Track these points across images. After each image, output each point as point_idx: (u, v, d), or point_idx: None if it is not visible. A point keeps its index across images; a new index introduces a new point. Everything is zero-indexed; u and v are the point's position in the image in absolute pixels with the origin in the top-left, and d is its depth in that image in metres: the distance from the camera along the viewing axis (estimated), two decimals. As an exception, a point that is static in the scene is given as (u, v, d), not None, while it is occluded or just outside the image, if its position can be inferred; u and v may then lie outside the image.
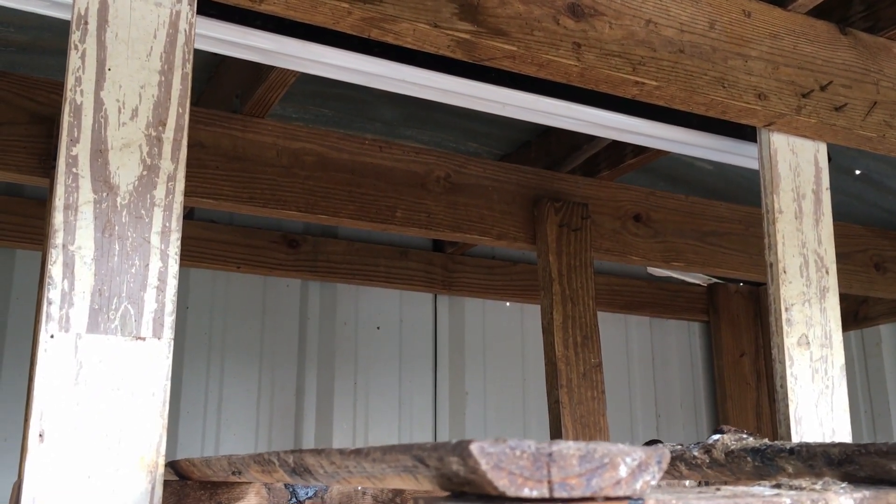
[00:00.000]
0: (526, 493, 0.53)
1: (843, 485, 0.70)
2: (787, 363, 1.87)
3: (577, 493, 0.54)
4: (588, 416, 2.69)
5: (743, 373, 4.30)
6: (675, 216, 3.13)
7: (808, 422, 1.85)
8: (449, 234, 2.78)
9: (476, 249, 3.91)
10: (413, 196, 2.72)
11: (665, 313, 4.34)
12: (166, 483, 1.28)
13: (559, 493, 0.54)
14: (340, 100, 2.95)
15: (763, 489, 0.64)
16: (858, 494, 0.65)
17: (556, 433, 2.67)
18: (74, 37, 1.34)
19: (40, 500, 1.18)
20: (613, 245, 3.01)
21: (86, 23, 1.35)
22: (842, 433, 1.90)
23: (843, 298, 4.08)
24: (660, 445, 0.58)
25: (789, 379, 1.86)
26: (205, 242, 3.38)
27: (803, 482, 0.67)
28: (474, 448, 0.52)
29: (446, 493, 0.59)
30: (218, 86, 2.66)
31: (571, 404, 2.67)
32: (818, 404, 1.88)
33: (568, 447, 0.55)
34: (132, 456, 1.24)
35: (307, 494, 1.39)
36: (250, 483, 1.34)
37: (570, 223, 2.86)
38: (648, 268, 4.28)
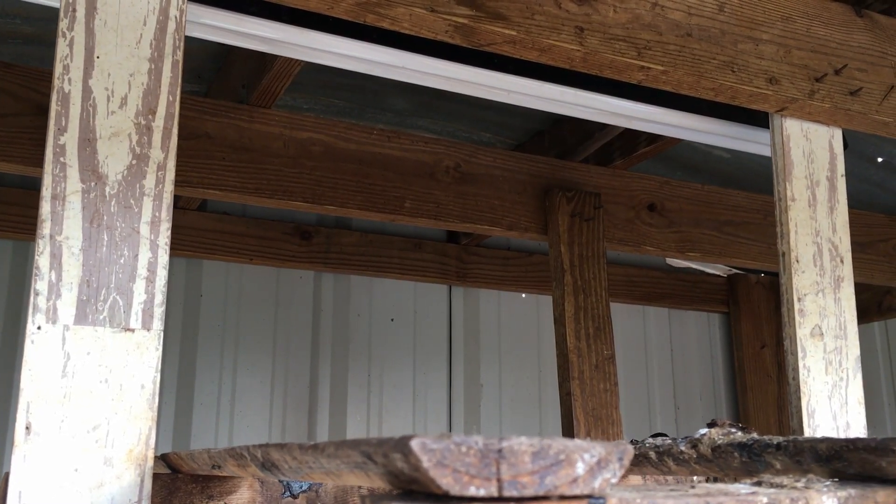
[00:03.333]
0: (472, 491, 0.50)
1: (828, 482, 0.66)
2: (800, 355, 1.82)
3: (528, 492, 0.51)
4: (600, 408, 2.65)
5: (764, 364, 4.23)
6: (690, 205, 3.08)
7: (821, 415, 1.80)
8: (458, 225, 2.75)
9: (491, 240, 3.87)
10: (422, 186, 2.69)
11: (684, 304, 4.28)
12: (157, 476, 1.27)
13: (509, 492, 0.51)
14: (351, 90, 2.92)
15: (740, 486, 0.60)
16: (843, 493, 0.61)
17: (567, 426, 2.63)
18: (62, 24, 1.32)
19: (27, 494, 1.17)
20: (627, 235, 2.96)
21: (74, 10, 1.33)
22: (856, 426, 1.85)
23: (867, 289, 3.99)
24: (621, 441, 0.55)
25: (801, 371, 1.81)
26: (218, 234, 3.37)
27: (786, 479, 0.63)
28: (415, 444, 0.49)
29: (397, 491, 0.57)
30: (226, 76, 2.64)
31: (583, 396, 2.63)
32: (832, 397, 1.83)
33: (520, 443, 0.51)
34: (121, 449, 1.22)
35: (301, 488, 1.37)
36: (242, 477, 1.32)
37: (582, 213, 2.82)
38: (667, 258, 4.22)
